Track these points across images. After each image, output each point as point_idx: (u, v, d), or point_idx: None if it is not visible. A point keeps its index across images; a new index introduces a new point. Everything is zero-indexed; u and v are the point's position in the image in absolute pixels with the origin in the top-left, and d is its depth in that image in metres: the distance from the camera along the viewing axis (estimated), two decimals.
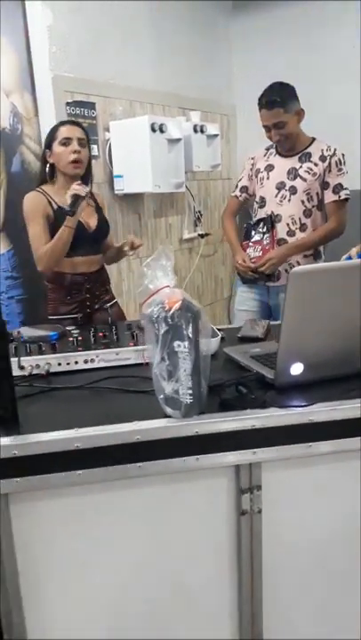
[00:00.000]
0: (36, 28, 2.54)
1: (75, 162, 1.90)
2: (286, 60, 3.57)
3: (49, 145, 1.96)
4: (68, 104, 2.76)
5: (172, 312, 0.92)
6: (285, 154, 2.22)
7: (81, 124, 2.04)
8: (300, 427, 0.98)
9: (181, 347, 0.93)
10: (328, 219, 2.21)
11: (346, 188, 2.18)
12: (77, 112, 2.83)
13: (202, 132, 3.15)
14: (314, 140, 2.22)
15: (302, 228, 2.19)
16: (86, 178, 2.02)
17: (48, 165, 1.97)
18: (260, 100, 2.15)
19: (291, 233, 2.20)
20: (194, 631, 1.09)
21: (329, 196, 2.17)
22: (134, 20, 3.08)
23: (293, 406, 0.99)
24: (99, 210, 2.06)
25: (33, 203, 1.93)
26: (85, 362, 1.25)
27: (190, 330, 0.93)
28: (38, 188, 1.96)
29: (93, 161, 2.95)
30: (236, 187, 2.38)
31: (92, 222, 2.00)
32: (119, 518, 1.01)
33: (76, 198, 1.77)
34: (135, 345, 1.28)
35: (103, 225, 2.05)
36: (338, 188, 2.16)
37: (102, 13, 2.84)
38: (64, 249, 1.85)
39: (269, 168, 2.24)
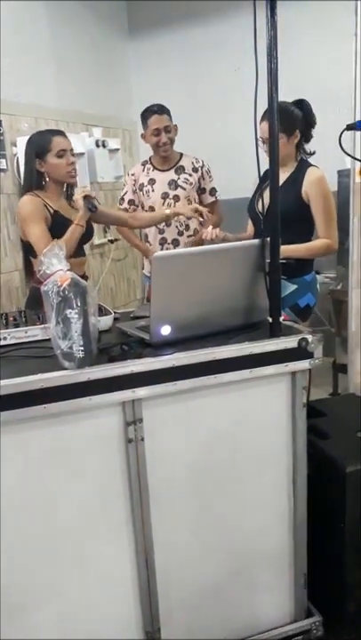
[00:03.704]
0: None
1: (71, 171, 2.11)
2: (179, 80, 3.99)
3: (41, 155, 2.07)
4: None
5: (63, 287, 1.22)
6: (162, 168, 2.66)
7: (65, 133, 2.20)
8: (166, 370, 1.31)
9: (72, 313, 1.23)
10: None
11: (217, 191, 2.71)
12: None
13: (104, 146, 3.47)
14: (182, 154, 2.69)
15: (187, 228, 2.64)
16: (72, 184, 2.23)
17: (37, 174, 2.10)
18: (149, 109, 2.58)
19: (180, 233, 2.64)
20: (97, 541, 1.38)
21: (208, 198, 2.68)
22: (35, 41, 3.34)
23: (161, 355, 1.32)
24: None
25: (32, 205, 2.05)
26: None
27: (79, 300, 1.23)
28: (32, 193, 2.09)
29: (2, 174, 3.18)
30: (123, 200, 2.79)
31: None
32: (31, 453, 1.28)
33: (88, 197, 2.02)
34: (41, 324, 1.56)
35: (89, 228, 2.20)
36: (213, 191, 2.70)
37: (6, 34, 3.07)
38: (74, 246, 2.06)
39: (152, 182, 2.67)
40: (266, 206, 2.18)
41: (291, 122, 2.11)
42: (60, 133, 2.15)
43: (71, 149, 2.12)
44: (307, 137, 2.23)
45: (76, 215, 2.13)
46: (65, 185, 2.20)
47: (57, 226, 2.05)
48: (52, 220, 2.07)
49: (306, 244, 2.15)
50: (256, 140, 1.50)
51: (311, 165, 2.20)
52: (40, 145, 2.10)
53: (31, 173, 2.12)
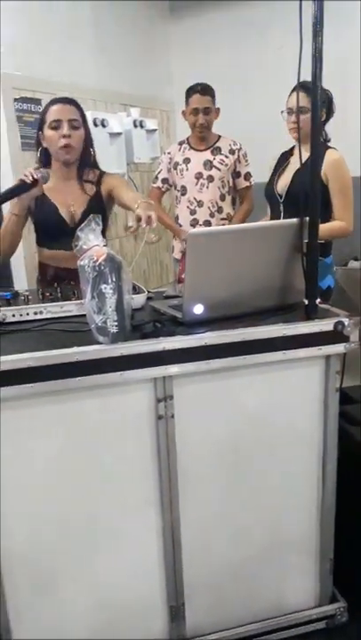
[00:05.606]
0: None
1: (65, 147, 1.72)
2: (220, 59, 3.92)
3: (41, 127, 1.76)
4: (15, 100, 3.01)
5: (99, 262, 1.23)
6: (198, 148, 2.65)
7: (75, 100, 1.79)
8: (197, 348, 1.31)
9: (107, 288, 1.24)
10: (242, 201, 2.66)
11: (252, 176, 2.68)
12: (24, 107, 3.08)
13: (141, 126, 3.45)
14: (220, 136, 2.67)
15: (219, 210, 2.64)
16: (85, 162, 1.84)
17: (41, 149, 1.79)
18: (193, 87, 2.55)
19: (212, 215, 2.63)
20: (125, 517, 1.40)
21: (242, 183, 2.66)
22: (77, 21, 3.35)
23: (193, 333, 1.32)
24: (95, 200, 1.82)
25: None
26: (35, 313, 1.53)
27: (114, 276, 1.24)
28: None
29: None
30: (157, 179, 2.79)
31: (79, 212, 1.81)
32: (64, 425, 1.31)
33: (21, 184, 1.63)
34: (77, 299, 1.57)
35: (101, 209, 1.81)
36: (248, 176, 2.66)
37: (47, 14, 3.09)
38: (11, 238, 1.76)
39: (187, 161, 2.65)
40: (286, 187, 2.17)
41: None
42: (62, 101, 1.75)
43: (72, 120, 1.71)
44: (325, 123, 2.23)
45: (77, 201, 1.82)
46: (77, 163, 1.81)
47: (38, 208, 1.79)
48: (35, 202, 1.78)
49: (321, 225, 2.12)
50: (298, 120, 1.46)
51: (330, 147, 2.19)
52: (41, 115, 1.77)
53: (37, 149, 1.82)
